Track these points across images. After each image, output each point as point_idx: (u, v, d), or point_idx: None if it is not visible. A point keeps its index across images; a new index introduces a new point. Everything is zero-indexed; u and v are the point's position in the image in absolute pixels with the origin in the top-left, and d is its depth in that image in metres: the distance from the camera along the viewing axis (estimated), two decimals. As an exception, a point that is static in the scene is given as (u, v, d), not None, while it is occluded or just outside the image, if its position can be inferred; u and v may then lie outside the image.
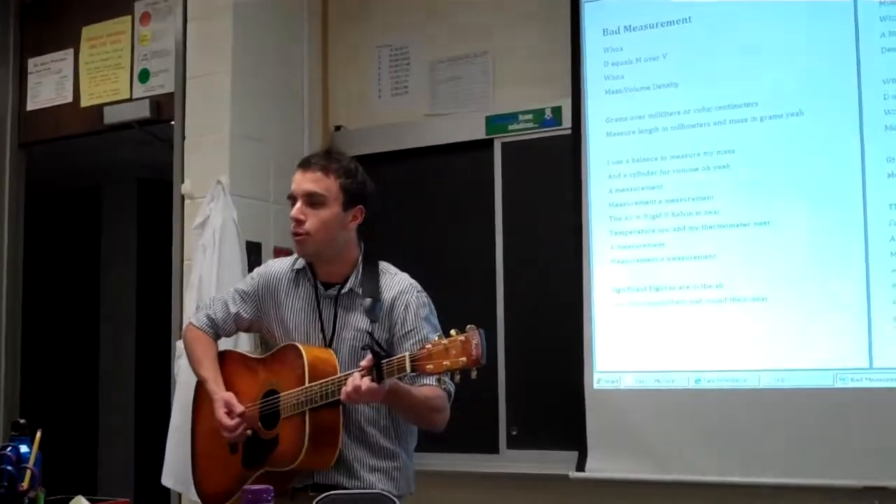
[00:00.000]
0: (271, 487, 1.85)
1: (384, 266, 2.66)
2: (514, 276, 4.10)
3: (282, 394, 2.52)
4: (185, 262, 4.06)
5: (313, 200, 2.56)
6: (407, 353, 2.29)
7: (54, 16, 4.73)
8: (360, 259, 2.65)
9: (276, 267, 2.76)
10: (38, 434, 2.34)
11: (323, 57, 4.63)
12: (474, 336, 2.20)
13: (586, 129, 3.88)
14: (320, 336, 2.61)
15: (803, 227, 3.50)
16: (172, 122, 4.23)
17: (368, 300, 2.54)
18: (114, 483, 5.93)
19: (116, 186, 6.33)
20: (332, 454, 2.48)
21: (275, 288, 2.71)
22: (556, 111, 4.05)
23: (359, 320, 2.57)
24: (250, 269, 3.41)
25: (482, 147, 4.20)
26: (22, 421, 2.37)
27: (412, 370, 2.27)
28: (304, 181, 2.58)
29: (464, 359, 2.19)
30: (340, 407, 2.48)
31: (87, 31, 4.59)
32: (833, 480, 3.37)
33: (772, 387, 3.50)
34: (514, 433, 4.03)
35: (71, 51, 4.63)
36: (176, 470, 3.65)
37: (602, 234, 3.82)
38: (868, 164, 3.41)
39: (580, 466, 3.77)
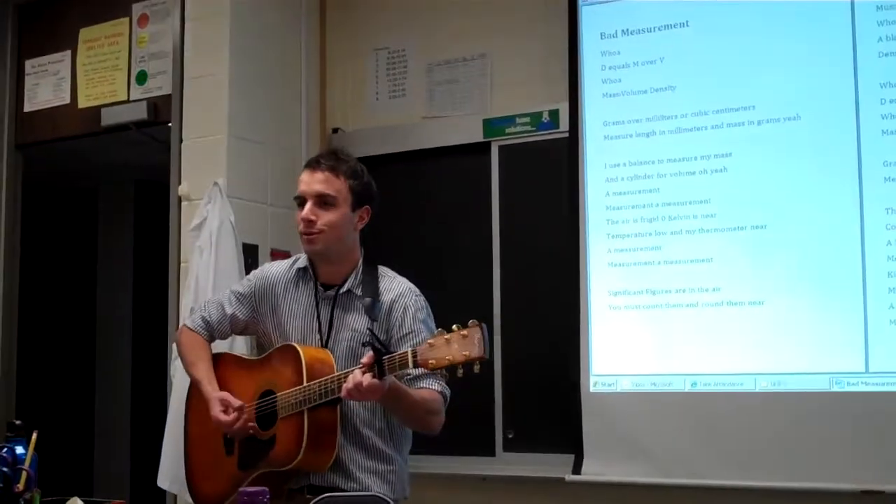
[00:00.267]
0: (267, 489, 1.85)
1: (383, 270, 2.67)
2: (511, 279, 4.10)
3: (279, 393, 2.52)
4: (182, 264, 4.06)
5: (324, 201, 2.56)
6: (409, 349, 2.30)
7: (52, 17, 4.73)
8: (360, 261, 2.65)
9: (274, 269, 2.77)
10: (34, 435, 2.34)
11: (321, 59, 4.63)
12: (477, 330, 2.20)
13: (584, 132, 3.88)
14: (317, 336, 2.61)
15: (800, 231, 3.50)
16: (170, 124, 4.23)
17: (368, 299, 2.55)
18: (110, 484, 5.91)
19: (113, 188, 6.32)
20: (330, 455, 2.48)
21: (272, 290, 2.71)
22: (554, 114, 4.05)
23: (356, 321, 2.58)
24: (247, 272, 3.42)
25: (479, 150, 4.20)
26: (18, 422, 2.37)
27: (414, 365, 2.27)
28: (314, 182, 2.57)
29: (467, 352, 2.19)
30: (338, 408, 2.48)
31: (85, 33, 4.59)
32: (829, 484, 3.38)
33: (768, 390, 3.50)
34: (511, 436, 4.03)
35: (68, 52, 4.63)
36: (172, 471, 3.64)
37: (599, 238, 3.82)
38: (865, 167, 3.41)
39: (576, 469, 3.76)
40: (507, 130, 4.15)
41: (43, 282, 5.92)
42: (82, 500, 2.68)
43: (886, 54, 3.42)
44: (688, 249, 3.67)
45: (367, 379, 2.29)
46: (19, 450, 2.28)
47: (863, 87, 3.43)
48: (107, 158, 5.48)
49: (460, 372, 2.24)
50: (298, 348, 2.53)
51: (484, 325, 2.22)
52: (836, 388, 3.41)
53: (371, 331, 2.41)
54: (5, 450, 2.25)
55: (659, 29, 3.80)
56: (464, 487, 4.09)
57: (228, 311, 2.74)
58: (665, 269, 3.70)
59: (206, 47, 4.13)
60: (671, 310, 3.68)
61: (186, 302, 3.85)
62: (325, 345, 2.59)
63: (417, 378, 2.48)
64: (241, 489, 1.87)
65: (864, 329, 3.37)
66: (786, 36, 3.58)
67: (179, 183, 4.12)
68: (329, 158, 2.62)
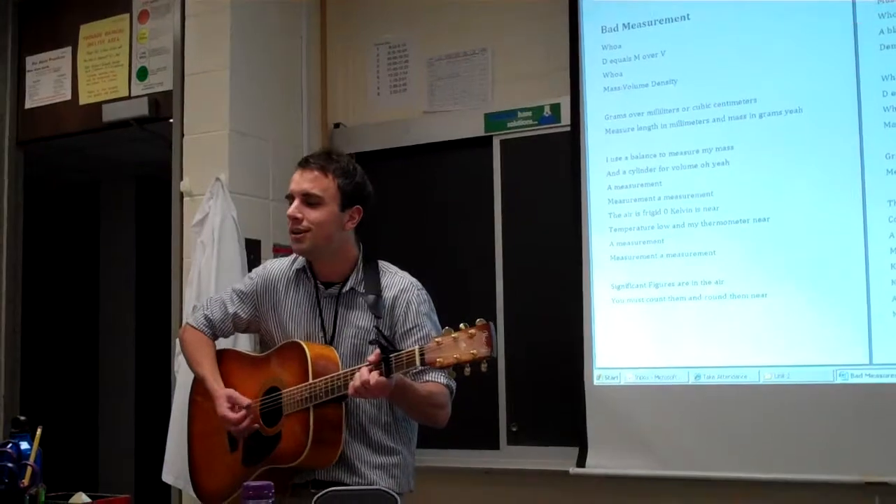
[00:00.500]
0: (271, 484, 1.85)
1: (384, 265, 2.67)
2: (514, 273, 4.10)
3: (285, 390, 2.52)
4: (184, 261, 4.06)
5: (310, 200, 2.56)
6: (416, 347, 2.30)
7: (52, 14, 4.72)
8: (359, 258, 2.65)
9: (275, 267, 2.77)
10: (39, 431, 2.35)
11: (322, 54, 4.63)
12: (484, 329, 2.21)
13: (585, 126, 3.88)
14: (321, 334, 2.61)
15: (803, 224, 3.50)
16: (171, 120, 4.22)
17: (372, 296, 2.55)
18: (114, 479, 5.93)
19: (115, 184, 6.33)
20: (335, 452, 2.48)
21: (273, 288, 2.71)
22: (555, 108, 4.05)
23: (360, 318, 2.58)
24: (249, 267, 3.43)
25: (481, 144, 4.20)
26: (22, 418, 2.38)
27: (421, 363, 2.27)
28: (303, 181, 2.58)
29: (474, 351, 2.20)
30: (343, 404, 2.48)
31: (86, 29, 4.58)
32: (834, 476, 3.38)
33: (772, 383, 3.50)
34: (515, 429, 4.04)
35: (69, 49, 4.62)
36: (176, 466, 3.65)
37: (601, 231, 3.82)
38: (867, 160, 3.41)
39: (580, 462, 3.77)
40: (509, 125, 4.15)
41: (45, 279, 5.93)
42: (87, 496, 2.69)
43: (888, 47, 3.41)
44: (690, 243, 3.67)
45: (375, 377, 2.29)
46: (24, 445, 2.29)
47: (864, 79, 3.43)
48: (108, 155, 5.48)
49: (467, 370, 2.24)
50: (304, 345, 2.53)
51: (492, 324, 2.22)
52: (840, 380, 3.41)
53: (378, 329, 2.42)
54: (10, 445, 2.26)
55: (660, 22, 3.80)
56: (468, 481, 4.09)
57: (231, 309, 2.75)
58: (668, 263, 3.70)
59: (207, 43, 4.12)
60: (674, 303, 3.68)
61: (189, 298, 3.85)
62: (329, 342, 2.59)
63: (423, 371, 2.48)
64: (246, 483, 1.87)
65: (868, 321, 3.37)
66: (787, 29, 3.57)
67: (181, 179, 4.12)
68: (320, 158, 2.62)
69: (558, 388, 3.92)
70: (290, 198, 2.60)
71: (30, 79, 4.74)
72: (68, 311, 6.37)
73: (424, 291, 2.64)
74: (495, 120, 4.18)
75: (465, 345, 2.21)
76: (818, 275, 3.46)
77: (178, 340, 3.60)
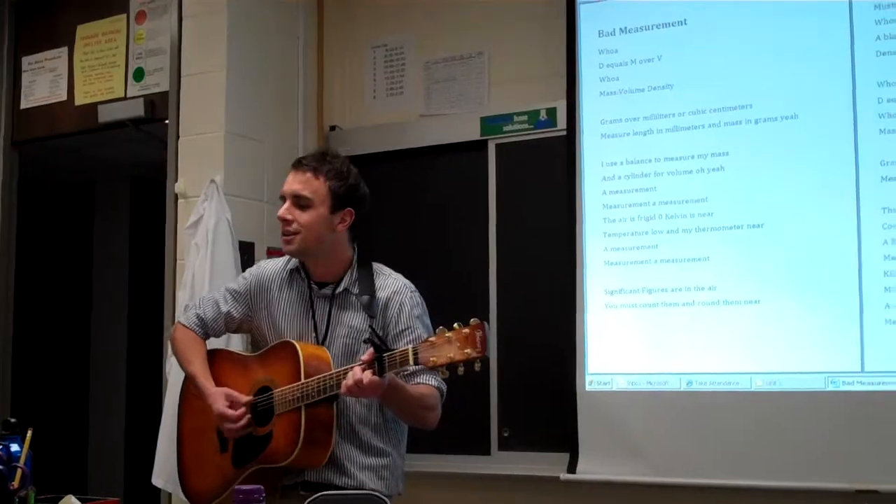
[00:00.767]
0: (262, 487, 1.84)
1: (378, 267, 2.67)
2: (507, 277, 4.09)
3: (276, 390, 2.52)
4: (178, 262, 4.05)
5: (300, 202, 2.56)
6: (410, 346, 2.30)
7: (49, 14, 4.72)
8: (354, 259, 2.65)
9: (269, 267, 2.77)
10: (29, 433, 2.34)
11: (318, 56, 4.63)
12: (478, 329, 2.21)
13: (581, 130, 3.88)
14: (313, 335, 2.61)
15: (797, 230, 3.50)
16: (167, 121, 4.22)
17: (366, 297, 2.55)
18: (104, 482, 5.92)
19: (110, 185, 6.32)
20: (326, 452, 2.48)
21: (267, 288, 2.71)
22: (551, 112, 4.05)
23: (353, 319, 2.58)
24: (243, 269, 3.42)
25: (476, 148, 4.20)
26: (13, 420, 2.37)
27: (415, 363, 2.27)
28: (294, 182, 2.59)
29: (468, 351, 2.20)
30: (334, 404, 2.48)
31: (82, 30, 4.58)
32: (824, 483, 3.38)
33: (764, 389, 3.50)
34: (506, 434, 4.03)
35: (65, 49, 4.62)
36: (166, 469, 3.64)
37: (595, 236, 3.82)
38: (862, 167, 3.41)
39: (571, 468, 3.76)
40: (505, 128, 4.15)
41: (39, 279, 5.92)
42: (77, 498, 2.68)
43: (884, 53, 3.42)
44: (684, 248, 3.67)
45: (368, 376, 2.29)
46: (14, 447, 2.28)
47: (860, 85, 3.43)
48: (103, 155, 5.48)
49: (461, 370, 2.23)
50: (296, 345, 2.53)
51: (485, 324, 2.22)
52: (831, 388, 3.41)
53: (372, 328, 2.41)
54: (0, 448, 2.25)
55: (657, 27, 3.80)
56: (459, 486, 4.08)
57: (223, 308, 2.74)
58: (661, 268, 3.70)
59: (204, 44, 4.12)
60: (667, 309, 3.68)
61: (182, 300, 3.84)
62: (321, 342, 2.59)
63: (415, 374, 2.49)
64: (236, 487, 1.86)
65: (860, 328, 3.37)
66: (783, 34, 3.58)
67: (176, 180, 4.12)
68: (313, 159, 2.62)
69: (550, 393, 3.91)
70: (282, 199, 2.61)
71: (26, 79, 4.74)
72: (61, 311, 6.36)
73: (418, 294, 2.64)
74: (491, 124, 4.18)
75: (459, 344, 2.21)
76: (811, 282, 3.46)
77: (169, 342, 3.61)
